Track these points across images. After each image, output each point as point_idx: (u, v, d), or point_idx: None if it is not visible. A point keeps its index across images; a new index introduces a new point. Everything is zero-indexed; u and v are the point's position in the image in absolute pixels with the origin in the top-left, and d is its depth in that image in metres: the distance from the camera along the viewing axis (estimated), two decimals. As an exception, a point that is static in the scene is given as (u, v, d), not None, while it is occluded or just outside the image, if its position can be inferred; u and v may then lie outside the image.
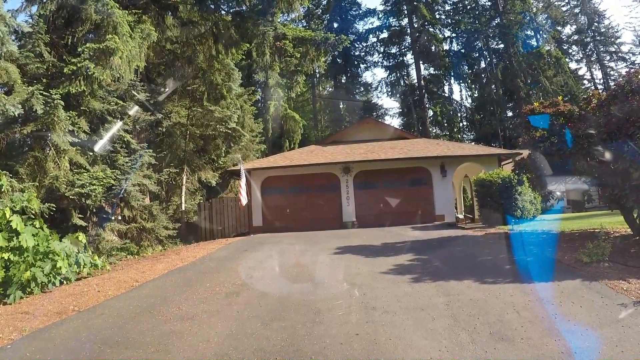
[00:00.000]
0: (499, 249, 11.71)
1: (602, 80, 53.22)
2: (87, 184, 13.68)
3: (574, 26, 55.64)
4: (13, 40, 13.63)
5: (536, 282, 7.64)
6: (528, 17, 48.98)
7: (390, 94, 55.42)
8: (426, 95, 50.22)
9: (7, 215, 9.34)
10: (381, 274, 9.12)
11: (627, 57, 52.42)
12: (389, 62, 53.96)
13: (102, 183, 14.11)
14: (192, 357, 5.36)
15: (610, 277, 7.51)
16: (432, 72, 52.25)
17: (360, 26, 55.61)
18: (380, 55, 54.58)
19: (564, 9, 55.84)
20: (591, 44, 54.40)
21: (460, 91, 58.49)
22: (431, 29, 50.42)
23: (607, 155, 9.56)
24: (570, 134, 10.59)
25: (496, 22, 50.14)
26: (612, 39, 53.77)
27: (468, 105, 53.82)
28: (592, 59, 54.54)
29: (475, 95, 53.72)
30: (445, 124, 50.33)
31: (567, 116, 11.23)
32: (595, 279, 7.48)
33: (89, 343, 6.06)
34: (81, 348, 5.90)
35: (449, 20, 53.61)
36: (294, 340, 5.66)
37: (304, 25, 47.23)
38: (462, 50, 53.09)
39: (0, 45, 12.14)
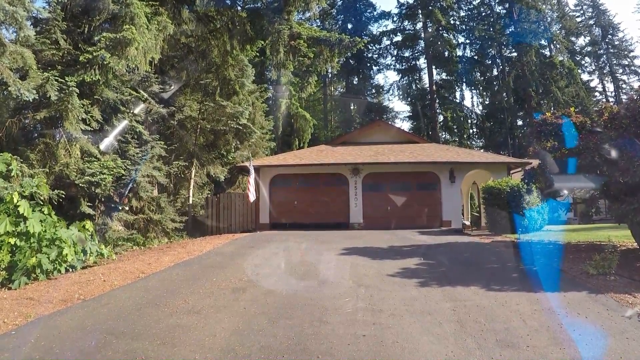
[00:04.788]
0: (506, 257, 11.65)
1: (613, 93, 53.28)
2: (98, 173, 13.75)
3: (588, 38, 55.71)
4: (29, 26, 13.66)
5: (542, 291, 7.63)
6: (542, 27, 48.78)
7: (401, 97, 55.53)
8: (437, 100, 50.24)
9: (15, 200, 9.40)
10: (388, 277, 9.10)
11: (640, 71, 52.46)
12: (402, 66, 54.05)
13: (112, 172, 14.19)
14: (198, 351, 5.35)
15: (616, 290, 7.49)
16: (444, 77, 52.27)
17: (375, 28, 55.79)
18: (393, 58, 54.80)
19: (579, 19, 55.89)
20: (604, 56, 54.43)
21: (472, 98, 58.39)
22: (445, 34, 50.41)
23: (617, 169, 9.52)
24: (581, 145, 10.59)
25: (510, 30, 49.98)
26: (626, 52, 53.84)
27: (478, 112, 53.68)
28: (605, 71, 54.53)
29: (486, 102, 53.56)
30: (455, 130, 50.08)
31: (578, 128, 11.18)
32: (601, 291, 7.45)
33: (95, 332, 6.06)
34: (86, 337, 5.90)
35: (464, 27, 53.60)
36: (300, 339, 5.65)
37: (318, 25, 47.29)
38: (475, 57, 53.02)
39: (18, 30, 12.17)
